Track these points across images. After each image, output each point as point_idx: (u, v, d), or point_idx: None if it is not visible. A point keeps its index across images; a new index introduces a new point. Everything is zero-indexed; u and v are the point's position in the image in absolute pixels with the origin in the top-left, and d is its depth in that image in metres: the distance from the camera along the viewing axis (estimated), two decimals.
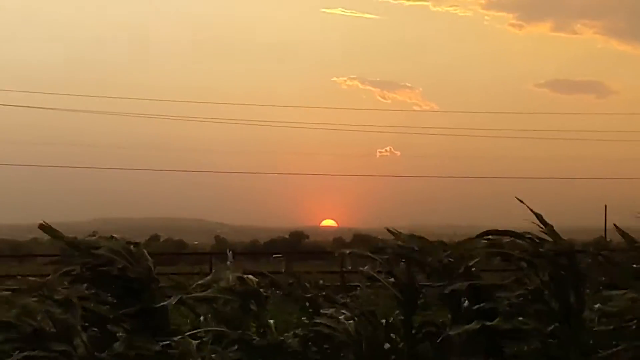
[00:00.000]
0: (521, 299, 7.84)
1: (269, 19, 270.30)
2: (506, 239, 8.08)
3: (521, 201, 8.15)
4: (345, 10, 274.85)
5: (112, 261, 7.91)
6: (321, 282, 8.93)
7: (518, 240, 7.99)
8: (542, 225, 8.00)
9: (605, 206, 61.72)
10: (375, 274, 8.27)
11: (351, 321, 7.81)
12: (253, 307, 8.03)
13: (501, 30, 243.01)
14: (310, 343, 7.88)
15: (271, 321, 8.08)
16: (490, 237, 8.13)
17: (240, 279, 8.04)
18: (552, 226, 7.99)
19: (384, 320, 8.11)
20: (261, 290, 8.07)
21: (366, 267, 8.42)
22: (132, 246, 8.15)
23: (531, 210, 8.06)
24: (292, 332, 8.02)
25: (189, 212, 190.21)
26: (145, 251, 8.24)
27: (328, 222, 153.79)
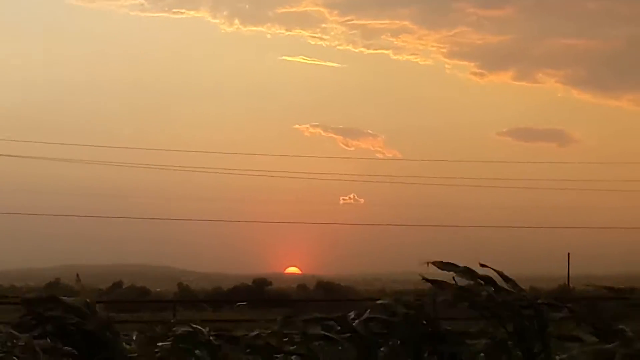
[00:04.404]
0: (486, 347, 7.82)
1: (229, 66, 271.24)
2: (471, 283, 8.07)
3: (485, 265, 8.15)
4: (306, 58, 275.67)
5: (69, 317, 7.97)
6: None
7: (485, 288, 7.98)
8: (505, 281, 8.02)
9: (569, 254, 62.06)
10: (330, 334, 8.21)
11: None
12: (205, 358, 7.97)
13: (462, 78, 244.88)
14: None
15: None
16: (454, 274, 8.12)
17: (190, 330, 7.99)
18: (514, 281, 8.00)
19: None
20: (212, 339, 8.00)
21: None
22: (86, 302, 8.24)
23: (494, 269, 8.07)
24: None
25: (153, 259, 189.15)
26: (100, 307, 8.31)
27: (292, 270, 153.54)
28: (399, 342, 7.98)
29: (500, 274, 8.06)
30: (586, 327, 8.14)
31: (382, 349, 8.11)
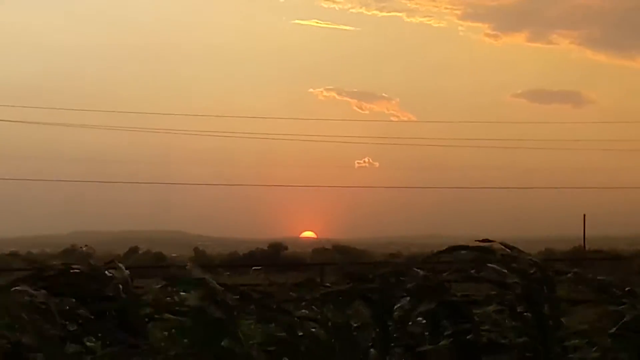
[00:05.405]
0: (497, 312, 7.86)
1: (244, 31, 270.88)
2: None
3: (498, 242, 8.15)
4: (320, 22, 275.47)
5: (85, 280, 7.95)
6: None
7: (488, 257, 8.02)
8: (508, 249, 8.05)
9: (584, 215, 61.89)
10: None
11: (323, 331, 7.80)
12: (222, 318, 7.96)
13: (477, 40, 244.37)
14: (280, 353, 7.84)
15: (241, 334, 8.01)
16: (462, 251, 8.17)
17: (209, 292, 7.98)
18: (518, 249, 8.02)
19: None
20: (229, 302, 7.99)
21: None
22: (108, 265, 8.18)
23: (500, 243, 8.08)
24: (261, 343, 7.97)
25: (168, 224, 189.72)
26: (122, 266, 8.24)
27: (307, 234, 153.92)
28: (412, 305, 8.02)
29: (504, 244, 8.09)
30: (595, 288, 8.17)
31: (396, 312, 8.16)
